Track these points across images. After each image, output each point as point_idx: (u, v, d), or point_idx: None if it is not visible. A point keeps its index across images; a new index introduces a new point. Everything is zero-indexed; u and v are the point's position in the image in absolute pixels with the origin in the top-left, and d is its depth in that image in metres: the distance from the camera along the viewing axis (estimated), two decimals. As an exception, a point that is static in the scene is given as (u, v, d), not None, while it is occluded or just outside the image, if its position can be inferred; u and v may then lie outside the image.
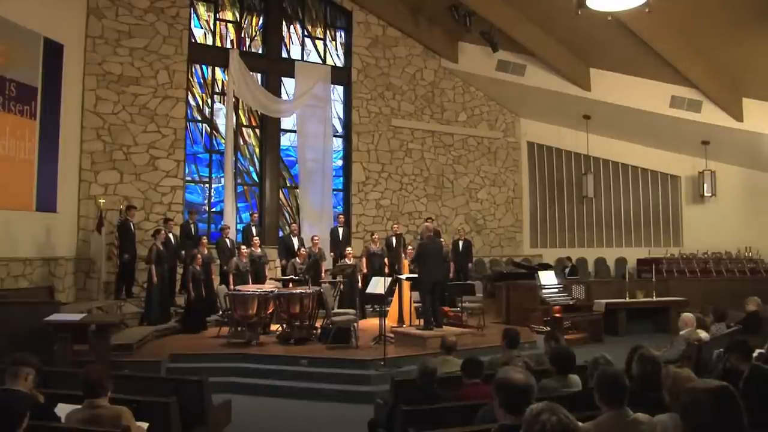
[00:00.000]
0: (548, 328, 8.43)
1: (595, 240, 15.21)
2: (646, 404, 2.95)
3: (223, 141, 12.14)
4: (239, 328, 8.41)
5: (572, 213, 15.35)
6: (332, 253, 11.35)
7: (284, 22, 13.25)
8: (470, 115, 15.00)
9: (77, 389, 3.61)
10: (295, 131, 13.12)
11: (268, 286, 9.37)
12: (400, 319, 9.41)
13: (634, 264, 14.21)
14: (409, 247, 10.72)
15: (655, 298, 11.32)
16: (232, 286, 9.24)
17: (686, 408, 2.11)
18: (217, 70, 12.45)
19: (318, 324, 8.72)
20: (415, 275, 8.89)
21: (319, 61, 13.57)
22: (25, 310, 6.99)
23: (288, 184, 13.28)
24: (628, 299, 11.29)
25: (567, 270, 13.16)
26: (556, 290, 10.63)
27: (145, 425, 3.68)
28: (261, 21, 13.09)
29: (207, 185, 12.36)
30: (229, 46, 12.52)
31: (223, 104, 12.31)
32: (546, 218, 15.50)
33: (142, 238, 10.59)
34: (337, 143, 13.75)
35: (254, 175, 12.92)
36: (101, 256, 10.08)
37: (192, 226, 10.81)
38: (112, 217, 10.61)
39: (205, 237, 10.47)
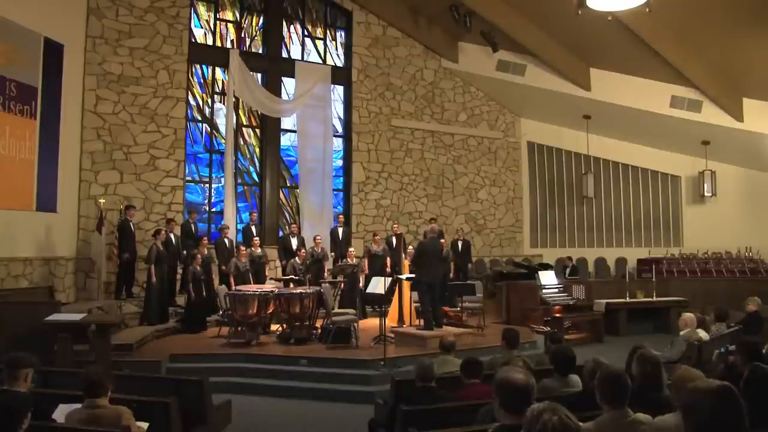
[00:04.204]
0: (548, 328, 8.44)
1: (595, 240, 15.21)
2: (646, 404, 2.95)
3: (223, 141, 12.13)
4: (239, 328, 8.41)
5: (572, 213, 15.35)
6: (332, 253, 11.36)
7: (284, 22, 13.25)
8: (470, 115, 15.00)
9: (77, 389, 3.61)
10: (295, 131, 13.12)
11: (269, 286, 9.37)
12: (400, 319, 9.42)
13: (634, 264, 14.21)
14: (410, 247, 10.72)
15: (655, 298, 11.34)
16: (232, 287, 9.24)
17: (687, 408, 2.11)
18: (218, 70, 12.45)
19: (318, 324, 8.72)
20: (415, 275, 8.88)
21: (319, 61, 13.57)
22: (25, 310, 6.99)
23: (288, 184, 13.28)
24: (628, 299, 11.31)
25: (567, 270, 13.17)
26: (556, 290, 10.65)
27: (145, 425, 3.68)
28: (261, 21, 13.09)
29: (207, 185, 12.36)
30: (229, 46, 12.52)
31: (223, 104, 12.32)
32: (546, 218, 15.51)
33: (142, 238, 10.60)
34: (338, 143, 13.75)
35: (254, 175, 12.92)
36: (101, 256, 10.07)
37: (192, 225, 10.81)
38: (112, 217, 10.61)
39: (205, 237, 10.47)
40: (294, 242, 10.86)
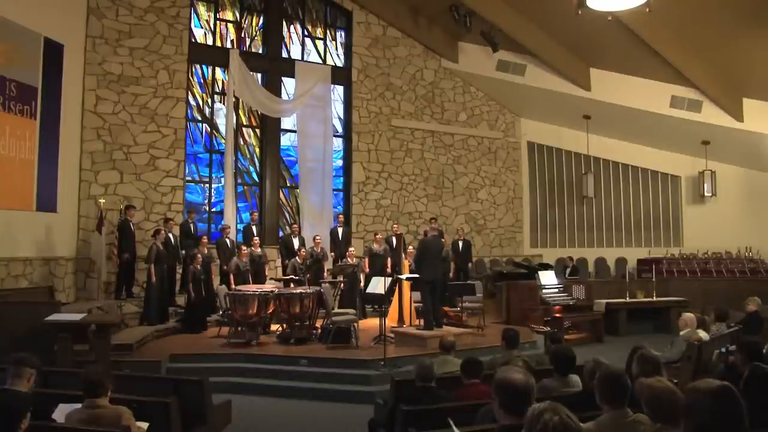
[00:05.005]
0: (548, 328, 8.45)
1: (595, 240, 15.21)
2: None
3: (223, 141, 12.13)
4: (239, 328, 8.40)
5: (572, 213, 15.35)
6: (332, 253, 11.36)
7: (284, 22, 13.25)
8: (470, 115, 15.00)
9: (77, 389, 3.61)
10: (295, 131, 13.12)
11: (269, 286, 9.37)
12: (400, 319, 9.41)
13: (634, 264, 14.20)
14: (410, 247, 10.72)
15: (655, 298, 11.35)
16: (232, 286, 9.24)
17: (687, 408, 2.11)
18: (218, 70, 12.45)
19: (318, 324, 8.72)
20: (416, 275, 8.89)
21: (319, 61, 13.57)
22: (25, 310, 6.99)
23: (288, 184, 13.28)
24: (628, 299, 11.31)
25: (567, 270, 13.17)
26: (556, 290, 10.65)
27: (145, 425, 3.68)
28: (261, 21, 13.09)
29: (207, 185, 12.36)
30: (229, 46, 12.52)
31: (223, 104, 12.32)
32: (546, 218, 15.50)
33: (142, 238, 10.59)
34: (338, 143, 13.74)
35: (254, 175, 12.92)
36: (101, 256, 10.07)
37: (191, 225, 10.81)
38: (112, 217, 10.61)
39: (205, 237, 10.47)
40: (296, 242, 10.86)
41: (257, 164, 12.93)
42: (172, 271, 10.11)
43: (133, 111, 11.14)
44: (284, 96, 13.03)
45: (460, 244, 12.34)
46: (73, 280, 10.35)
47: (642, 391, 2.80)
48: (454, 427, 2.85)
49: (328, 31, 13.81)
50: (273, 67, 12.96)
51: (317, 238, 10.93)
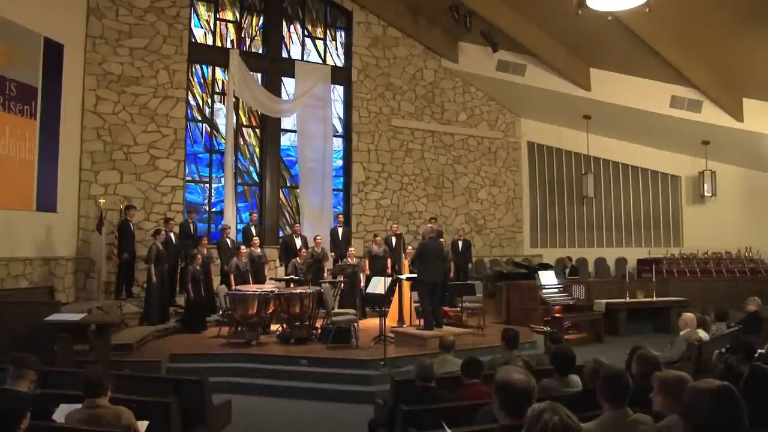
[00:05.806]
0: (548, 328, 8.44)
1: (595, 240, 15.21)
2: (645, 404, 2.95)
3: (223, 141, 12.13)
4: (239, 328, 8.40)
5: (572, 213, 15.35)
6: (332, 253, 11.36)
7: (284, 22, 13.25)
8: (470, 115, 15.00)
9: (77, 389, 3.61)
10: (295, 131, 13.12)
11: (269, 286, 9.37)
12: (400, 319, 9.41)
13: (634, 264, 14.21)
14: (409, 247, 10.72)
15: (655, 298, 11.34)
16: (233, 286, 9.24)
17: (688, 408, 2.11)
18: (218, 70, 12.45)
19: (318, 324, 8.72)
20: (415, 275, 8.88)
21: (319, 61, 13.57)
22: (25, 310, 6.99)
23: (288, 184, 13.28)
24: (628, 299, 11.31)
25: (567, 270, 13.17)
26: (556, 290, 10.65)
27: (145, 424, 3.68)
28: (261, 21, 13.09)
29: (207, 185, 12.36)
30: (229, 46, 12.52)
31: (224, 104, 12.32)
32: (546, 218, 15.51)
33: (142, 238, 10.60)
34: (338, 143, 13.74)
35: (254, 175, 12.92)
36: (101, 256, 10.07)
37: (191, 225, 10.81)
38: (112, 217, 10.61)
39: (205, 237, 10.47)
40: (297, 242, 10.86)
41: (257, 164, 12.93)
42: (173, 271, 10.11)
43: (133, 111, 11.14)
44: (284, 96, 13.03)
45: (460, 244, 12.34)
46: (73, 280, 10.35)
47: (671, 384, 2.80)
48: (447, 429, 2.86)
49: (328, 31, 13.81)
50: (273, 67, 12.96)
51: (318, 238, 10.93)
